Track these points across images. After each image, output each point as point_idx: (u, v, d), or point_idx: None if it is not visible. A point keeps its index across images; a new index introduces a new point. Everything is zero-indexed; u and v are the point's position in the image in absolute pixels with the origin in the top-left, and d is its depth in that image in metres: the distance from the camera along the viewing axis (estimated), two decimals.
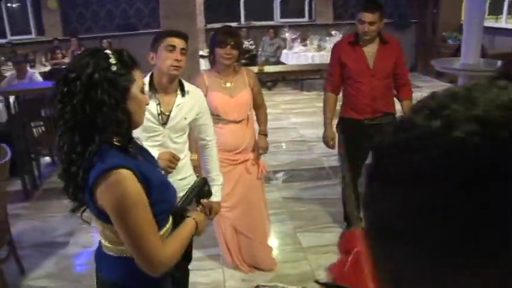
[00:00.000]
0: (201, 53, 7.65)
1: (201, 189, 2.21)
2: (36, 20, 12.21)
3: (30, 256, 4.09)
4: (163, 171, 2.50)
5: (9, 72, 7.89)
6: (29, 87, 5.78)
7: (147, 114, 2.18)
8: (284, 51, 11.22)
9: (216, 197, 2.82)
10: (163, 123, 2.60)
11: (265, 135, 3.65)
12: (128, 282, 1.79)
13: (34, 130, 5.94)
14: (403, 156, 0.46)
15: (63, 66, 8.36)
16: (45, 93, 5.62)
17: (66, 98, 1.58)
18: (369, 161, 0.50)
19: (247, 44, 11.43)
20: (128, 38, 10.99)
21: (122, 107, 1.62)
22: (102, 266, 1.86)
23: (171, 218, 1.87)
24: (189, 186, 2.25)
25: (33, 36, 12.20)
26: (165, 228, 1.80)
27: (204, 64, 7.46)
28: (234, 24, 12.43)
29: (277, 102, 9.68)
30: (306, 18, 13.05)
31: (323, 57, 9.47)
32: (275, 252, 3.94)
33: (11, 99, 5.30)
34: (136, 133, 1.85)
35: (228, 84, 3.36)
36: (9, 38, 11.80)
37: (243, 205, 3.56)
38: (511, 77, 0.47)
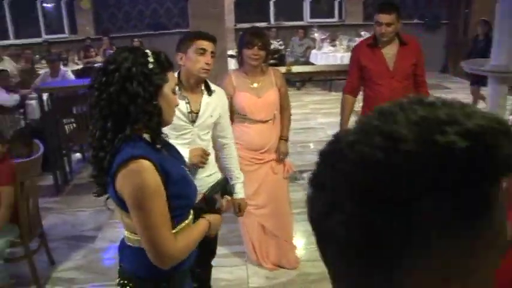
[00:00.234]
0: (230, 52, 7.70)
1: (223, 187, 2.26)
2: (69, 19, 12.51)
3: (60, 248, 4.22)
4: (195, 167, 2.56)
5: (43, 70, 8.09)
6: (62, 85, 5.93)
7: (177, 113, 2.25)
8: (313, 52, 11.20)
9: (240, 194, 2.87)
10: (193, 121, 2.65)
11: (286, 140, 3.65)
12: (147, 273, 1.83)
13: (66, 127, 6.09)
14: (323, 166, 0.53)
15: (96, 65, 8.55)
16: (77, 91, 5.77)
17: (103, 87, 1.67)
18: None
19: (276, 44, 11.46)
20: (157, 37, 11.15)
21: (154, 102, 1.70)
22: (123, 257, 1.91)
23: (191, 214, 1.92)
24: (212, 183, 2.30)
25: (66, 35, 12.50)
26: (183, 224, 1.84)
27: (233, 64, 7.51)
28: (263, 24, 12.50)
29: (306, 102, 9.68)
30: (336, 19, 13.00)
31: None
32: (299, 251, 3.96)
33: (44, 96, 5.45)
34: (166, 131, 1.91)
35: (255, 85, 3.39)
36: (44, 37, 12.11)
37: (270, 204, 3.59)
38: None
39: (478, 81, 7.43)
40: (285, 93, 3.57)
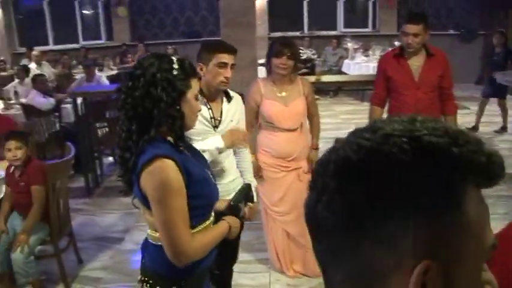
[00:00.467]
0: (261, 61, 7.74)
1: (247, 195, 2.29)
2: (106, 26, 12.83)
3: (88, 248, 4.32)
4: (236, 147, 2.65)
5: (79, 75, 8.31)
6: (95, 90, 6.08)
7: (201, 118, 2.30)
8: (346, 61, 11.16)
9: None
10: (215, 126, 2.70)
11: (317, 149, 3.66)
12: (167, 271, 1.87)
13: (98, 131, 6.24)
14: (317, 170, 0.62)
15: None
16: (110, 96, 5.90)
17: (129, 90, 1.76)
18: None
19: (309, 53, 11.48)
20: (192, 45, 11.27)
21: (177, 107, 1.77)
22: (145, 254, 1.98)
23: (212, 217, 1.96)
24: (236, 188, 2.34)
25: (103, 41, 12.82)
26: (204, 224, 1.89)
27: (264, 72, 7.53)
28: (296, 33, 12.54)
29: (337, 112, 9.64)
30: (370, 28, 12.93)
31: None
32: None
33: (79, 101, 5.61)
34: (190, 136, 1.97)
35: (283, 94, 3.41)
36: (82, 43, 12.45)
37: (295, 211, 3.58)
38: None
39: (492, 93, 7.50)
40: (312, 101, 3.58)
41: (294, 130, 3.46)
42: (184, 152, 1.87)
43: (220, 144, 2.49)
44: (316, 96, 10.56)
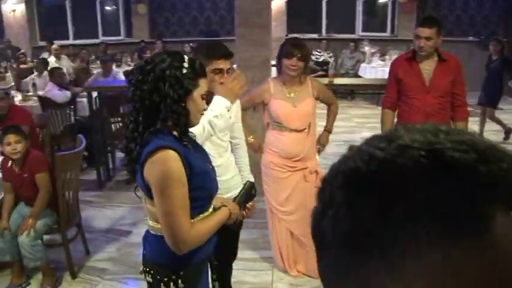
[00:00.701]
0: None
1: (250, 192, 2.34)
2: (126, 22, 12.98)
3: (96, 240, 4.40)
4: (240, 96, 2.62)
5: (96, 70, 8.42)
6: (109, 85, 6.17)
7: None
8: (362, 65, 11.14)
9: None
10: None
11: (329, 131, 3.73)
12: (167, 260, 1.94)
13: (113, 126, 6.33)
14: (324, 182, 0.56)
15: None
16: (124, 91, 5.98)
17: (139, 84, 1.83)
18: None
19: (326, 55, 11.48)
20: None
21: (182, 104, 1.83)
22: (146, 245, 2.05)
23: (212, 208, 2.00)
24: (236, 184, 2.37)
25: (122, 37, 12.97)
26: (202, 215, 1.95)
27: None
28: (314, 35, 12.54)
29: (351, 115, 9.64)
30: (388, 33, 12.87)
31: None
32: None
33: (94, 95, 5.69)
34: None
35: (292, 94, 3.44)
36: (101, 38, 12.61)
37: (300, 211, 3.61)
38: None
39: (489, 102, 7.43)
40: (325, 92, 3.66)
41: (301, 131, 3.49)
42: (187, 146, 1.92)
43: (224, 101, 2.41)
44: None
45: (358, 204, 0.49)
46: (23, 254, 3.49)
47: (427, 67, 3.59)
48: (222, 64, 2.58)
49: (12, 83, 7.22)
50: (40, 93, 6.62)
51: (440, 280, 0.45)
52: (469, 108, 3.91)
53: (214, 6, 12.75)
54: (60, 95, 6.26)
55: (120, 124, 6.32)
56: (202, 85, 1.90)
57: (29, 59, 10.42)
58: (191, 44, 10.83)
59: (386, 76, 10.55)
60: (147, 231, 2.04)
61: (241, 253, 3.76)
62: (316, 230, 0.57)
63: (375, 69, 10.60)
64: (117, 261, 4.04)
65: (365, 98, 11.04)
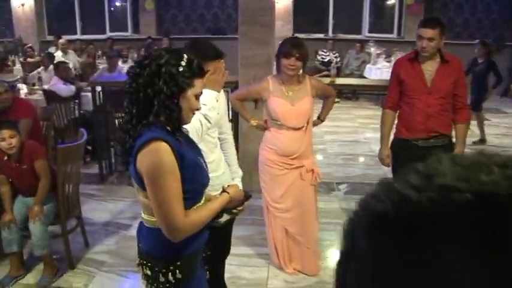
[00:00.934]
0: None
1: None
2: (133, 19, 13.05)
3: (96, 233, 4.46)
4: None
5: (102, 65, 8.49)
6: (113, 80, 6.22)
7: None
8: (368, 66, 11.13)
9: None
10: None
11: (322, 120, 3.80)
12: (162, 253, 1.99)
13: (116, 120, 6.37)
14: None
15: None
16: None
17: (135, 77, 1.87)
18: None
19: (332, 56, 11.49)
20: (217, 41, 11.35)
21: (175, 101, 1.88)
22: (141, 238, 2.09)
23: (203, 200, 2.05)
24: (227, 180, 2.41)
25: (129, 33, 13.04)
26: (194, 207, 1.99)
27: None
28: (320, 35, 12.56)
29: (355, 116, 9.66)
30: (395, 35, 12.86)
31: None
32: (323, 259, 4.00)
33: (98, 89, 5.75)
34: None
35: (291, 93, 3.47)
36: (108, 34, 12.69)
37: (296, 209, 3.65)
38: None
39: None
40: (323, 89, 3.76)
41: (299, 129, 3.52)
42: (179, 140, 1.97)
43: (211, 92, 2.44)
44: (337, 100, 10.61)
45: (383, 260, 0.41)
46: (33, 242, 3.58)
47: (429, 68, 3.58)
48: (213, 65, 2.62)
49: (18, 76, 7.29)
50: (45, 86, 6.69)
51: None
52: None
53: (221, 3, 12.80)
54: (65, 89, 6.33)
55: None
56: (198, 85, 1.94)
57: (36, 53, 10.51)
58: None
59: None
60: (141, 224, 2.08)
61: (238, 249, 3.81)
62: (338, 283, 0.48)
63: (380, 70, 10.59)
64: (115, 254, 4.10)
65: (369, 99, 11.05)
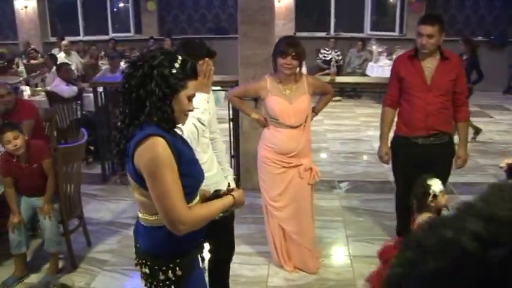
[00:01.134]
0: None
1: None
2: (135, 19, 13.12)
3: (98, 232, 4.51)
4: None
5: (105, 66, 8.54)
6: (115, 80, 6.25)
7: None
8: (370, 64, 11.12)
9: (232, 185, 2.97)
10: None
11: (316, 113, 3.79)
12: (160, 251, 2.01)
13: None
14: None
15: None
16: None
17: (128, 77, 1.89)
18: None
19: (334, 54, 11.49)
20: (218, 41, 11.44)
21: (168, 102, 1.89)
22: (138, 237, 2.11)
23: (198, 197, 2.08)
24: (220, 179, 2.45)
25: (131, 34, 13.09)
26: (190, 204, 2.00)
27: None
28: (322, 34, 12.56)
29: (357, 114, 9.66)
30: (397, 33, 12.84)
31: None
32: (323, 257, 4.02)
33: (100, 90, 5.79)
34: None
35: (288, 92, 3.50)
36: (111, 35, 12.74)
37: (293, 207, 3.67)
38: None
39: None
40: (321, 86, 3.76)
41: (297, 127, 3.54)
42: (175, 136, 2.00)
43: (202, 95, 2.48)
44: (338, 98, 10.61)
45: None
46: (47, 237, 3.65)
47: (429, 65, 3.57)
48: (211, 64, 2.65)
49: (21, 78, 7.35)
50: (48, 88, 6.74)
51: None
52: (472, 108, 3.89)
53: (222, 3, 12.84)
54: (67, 90, 6.38)
55: None
56: (191, 87, 1.95)
57: (39, 54, 10.57)
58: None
59: None
60: (138, 223, 2.09)
61: (238, 247, 3.83)
62: None
63: (382, 68, 10.57)
64: (117, 253, 4.14)
65: (371, 97, 11.05)
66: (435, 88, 3.56)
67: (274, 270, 3.87)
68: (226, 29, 12.59)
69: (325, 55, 11.52)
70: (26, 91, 6.76)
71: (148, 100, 1.85)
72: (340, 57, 11.57)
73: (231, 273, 3.25)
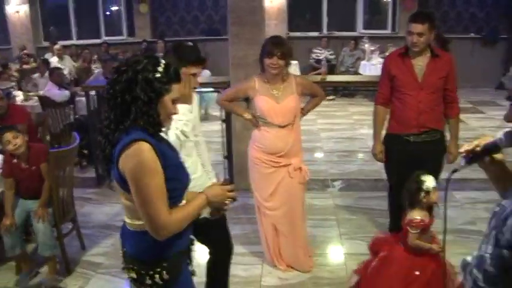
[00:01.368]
0: None
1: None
2: (128, 22, 13.12)
3: (92, 235, 4.52)
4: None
5: (98, 69, 8.53)
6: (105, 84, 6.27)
7: None
8: (362, 63, 11.14)
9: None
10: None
11: (303, 114, 3.78)
12: (147, 255, 2.01)
13: None
14: None
15: None
16: None
17: (113, 82, 1.89)
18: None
19: (327, 53, 11.52)
20: (211, 43, 11.46)
21: (153, 106, 1.90)
22: (125, 242, 2.10)
23: (184, 200, 2.08)
24: (204, 182, 2.51)
25: (124, 37, 13.09)
26: (176, 207, 2.01)
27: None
28: (315, 33, 12.59)
29: (351, 112, 9.69)
30: (389, 31, 12.87)
31: None
32: (316, 255, 4.04)
33: (92, 94, 5.80)
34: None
35: (276, 91, 3.52)
36: (103, 38, 12.74)
37: (285, 207, 3.68)
38: None
39: None
40: (310, 86, 3.75)
41: (285, 127, 3.55)
42: (161, 141, 2.00)
43: (184, 106, 2.50)
44: (332, 97, 10.63)
45: None
46: (40, 240, 3.64)
47: (420, 63, 3.59)
48: (197, 70, 2.66)
49: (13, 84, 7.35)
50: (41, 92, 6.74)
51: None
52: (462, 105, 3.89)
53: (215, 5, 12.85)
54: (60, 94, 6.38)
55: None
56: (175, 90, 1.96)
57: (32, 59, 10.56)
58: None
59: None
60: (124, 228, 2.09)
61: None
62: None
63: (375, 67, 10.59)
64: (111, 256, 4.13)
65: (364, 96, 11.09)
66: (426, 86, 3.58)
67: (268, 269, 3.89)
68: (219, 30, 12.61)
69: (318, 55, 11.55)
70: (19, 96, 6.77)
71: (134, 105, 1.86)
72: (333, 57, 11.60)
73: None
